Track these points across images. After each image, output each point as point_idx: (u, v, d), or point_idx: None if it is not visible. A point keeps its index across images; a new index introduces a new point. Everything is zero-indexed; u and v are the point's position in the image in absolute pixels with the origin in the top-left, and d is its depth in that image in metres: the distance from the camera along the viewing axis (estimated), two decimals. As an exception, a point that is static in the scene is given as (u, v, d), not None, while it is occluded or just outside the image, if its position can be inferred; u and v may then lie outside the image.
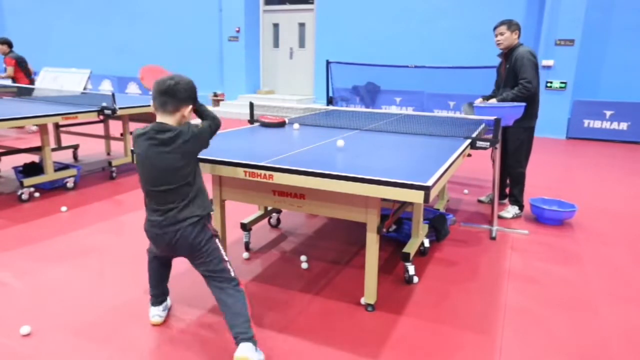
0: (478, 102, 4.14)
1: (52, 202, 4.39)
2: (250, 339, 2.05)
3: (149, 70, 2.73)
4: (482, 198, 4.72)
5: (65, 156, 6.15)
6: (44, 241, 3.49)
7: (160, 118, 2.08)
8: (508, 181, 4.34)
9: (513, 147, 4.11)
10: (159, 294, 2.45)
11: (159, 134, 2.04)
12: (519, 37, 4.05)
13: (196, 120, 2.25)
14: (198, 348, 2.25)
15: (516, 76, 3.95)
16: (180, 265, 3.13)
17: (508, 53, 4.08)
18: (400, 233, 3.48)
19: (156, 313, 2.44)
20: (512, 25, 4.01)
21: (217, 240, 2.18)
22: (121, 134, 5.74)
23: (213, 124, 2.22)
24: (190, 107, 2.14)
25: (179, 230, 2.07)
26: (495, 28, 4.08)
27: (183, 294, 2.76)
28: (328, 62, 5.81)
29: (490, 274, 3.12)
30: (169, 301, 2.56)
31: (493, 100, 4.02)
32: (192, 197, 2.10)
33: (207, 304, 2.65)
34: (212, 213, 2.21)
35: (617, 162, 6.83)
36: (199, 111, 2.24)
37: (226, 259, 2.19)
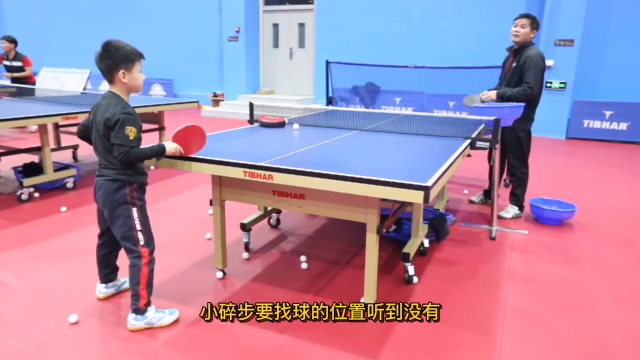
0: (483, 94, 4.12)
1: (52, 202, 4.38)
2: (135, 310, 2.35)
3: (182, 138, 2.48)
4: (473, 198, 4.71)
5: (65, 156, 6.15)
6: (44, 241, 3.49)
7: (109, 87, 2.30)
8: (508, 181, 4.34)
9: (515, 148, 4.10)
10: (102, 275, 2.64)
11: (102, 99, 2.27)
12: (534, 36, 3.97)
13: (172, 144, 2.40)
14: (199, 347, 2.26)
15: (522, 76, 3.90)
16: (180, 266, 3.13)
17: (518, 50, 4.00)
18: (400, 233, 3.48)
19: (98, 289, 2.67)
20: (535, 22, 3.92)
21: (133, 209, 2.31)
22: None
23: (134, 152, 2.22)
24: (122, 72, 2.23)
25: (97, 182, 2.31)
26: (517, 18, 3.95)
27: (183, 294, 2.76)
28: (328, 62, 5.82)
29: (490, 274, 3.12)
30: (123, 283, 2.73)
31: (493, 94, 3.97)
32: (113, 163, 2.26)
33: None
34: (141, 183, 2.36)
35: (617, 162, 6.83)
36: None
37: (137, 228, 2.31)
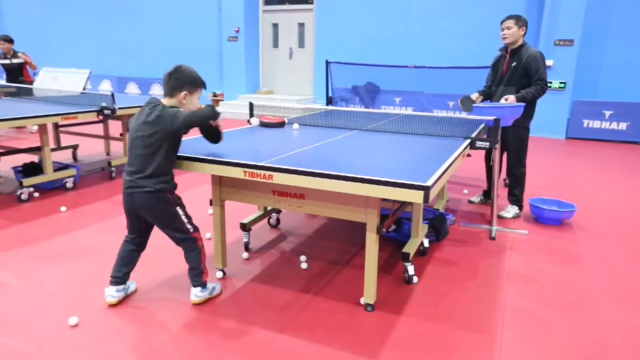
0: (474, 97, 4.14)
1: (52, 202, 4.38)
2: (198, 285, 2.61)
3: None
4: (473, 198, 4.71)
5: (65, 156, 6.15)
6: (44, 241, 3.49)
7: (164, 99, 2.49)
8: (507, 181, 4.34)
9: (515, 147, 4.10)
10: (120, 274, 2.63)
11: (148, 105, 2.43)
12: (524, 34, 4.00)
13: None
14: (199, 347, 2.26)
15: (523, 75, 3.93)
16: (180, 266, 3.13)
17: (515, 50, 4.02)
18: (400, 233, 3.49)
19: (109, 293, 2.63)
20: (520, 20, 3.96)
21: (177, 208, 2.50)
22: (120, 134, 5.74)
23: (193, 115, 2.43)
24: (185, 93, 2.47)
25: (133, 193, 2.42)
26: (502, 21, 4.02)
27: (182, 294, 2.76)
28: (327, 62, 5.82)
29: (489, 274, 3.12)
30: (130, 286, 2.74)
31: (512, 98, 3.85)
32: (152, 170, 2.38)
33: (208, 302, 2.65)
34: (175, 186, 2.51)
35: (617, 162, 6.83)
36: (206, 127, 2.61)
37: (185, 221, 2.52)
